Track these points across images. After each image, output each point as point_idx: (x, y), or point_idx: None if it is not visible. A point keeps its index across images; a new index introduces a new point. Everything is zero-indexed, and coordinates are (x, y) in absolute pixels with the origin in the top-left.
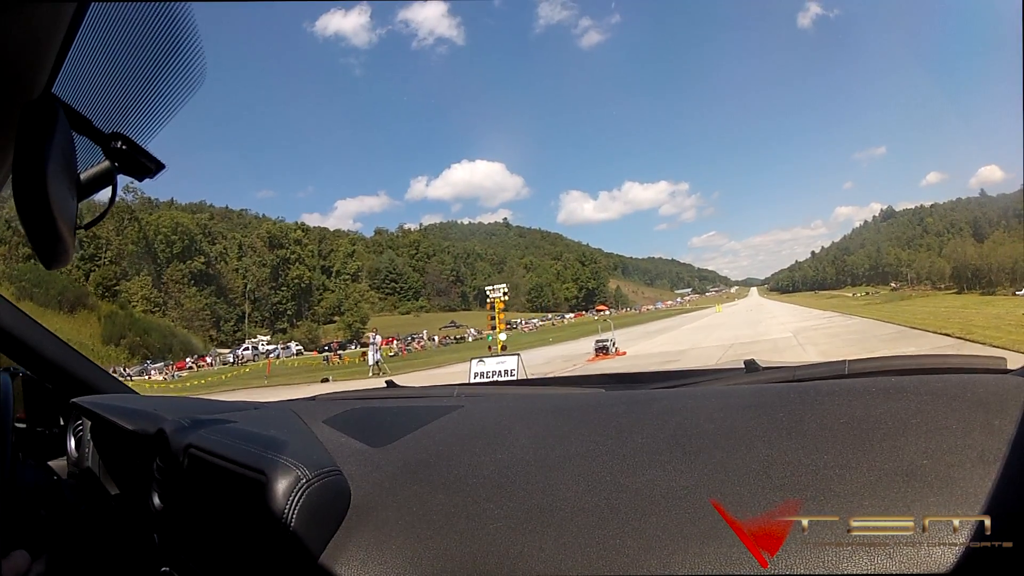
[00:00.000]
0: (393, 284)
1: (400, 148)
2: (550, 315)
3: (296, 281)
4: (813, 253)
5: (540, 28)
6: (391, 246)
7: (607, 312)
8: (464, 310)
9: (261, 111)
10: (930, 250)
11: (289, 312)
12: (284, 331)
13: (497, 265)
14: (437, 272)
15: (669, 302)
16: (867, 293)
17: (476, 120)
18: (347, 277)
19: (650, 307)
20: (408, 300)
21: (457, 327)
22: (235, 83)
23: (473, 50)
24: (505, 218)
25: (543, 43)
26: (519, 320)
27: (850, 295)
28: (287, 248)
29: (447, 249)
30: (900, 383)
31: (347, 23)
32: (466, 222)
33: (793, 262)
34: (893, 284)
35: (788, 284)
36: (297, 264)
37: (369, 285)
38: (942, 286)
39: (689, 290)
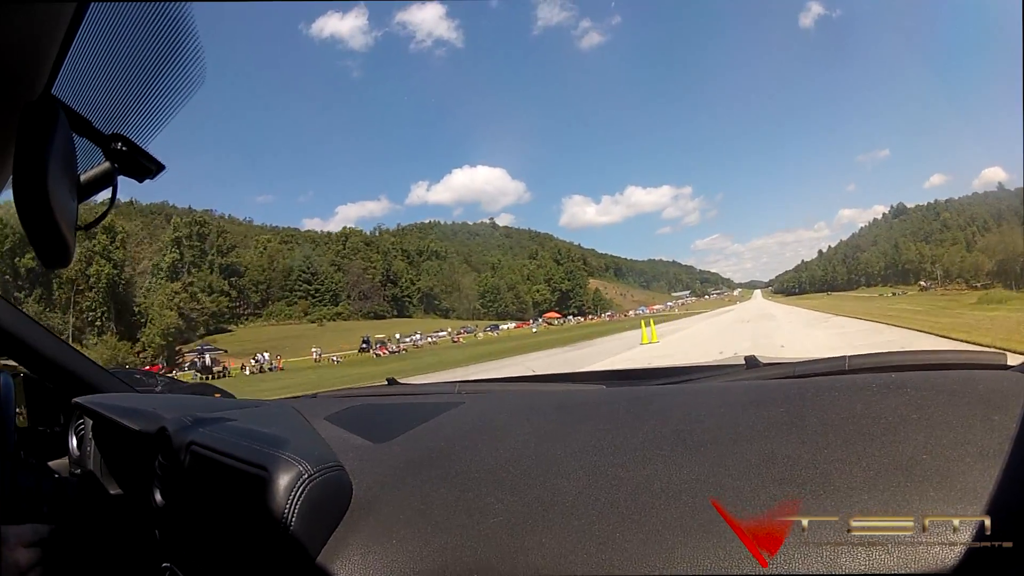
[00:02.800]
0: (306, 286)
1: (400, 152)
2: (470, 325)
3: (96, 281)
4: (820, 252)
5: (539, 30)
6: (355, 249)
7: (560, 321)
8: (397, 316)
9: (258, 115)
10: (956, 244)
11: (98, 322)
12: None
13: (461, 264)
14: (359, 272)
15: (657, 306)
16: (893, 294)
17: (476, 124)
18: (162, 276)
19: (633, 312)
20: (325, 305)
21: (201, 353)
22: (231, 86)
23: (472, 53)
24: (492, 218)
25: (543, 45)
26: (401, 336)
27: (876, 295)
28: (95, 239)
29: (377, 245)
30: (900, 379)
31: (344, 25)
32: (448, 222)
33: (799, 262)
34: (922, 283)
35: (794, 285)
36: (99, 259)
37: (279, 286)
38: (978, 284)
39: (687, 292)
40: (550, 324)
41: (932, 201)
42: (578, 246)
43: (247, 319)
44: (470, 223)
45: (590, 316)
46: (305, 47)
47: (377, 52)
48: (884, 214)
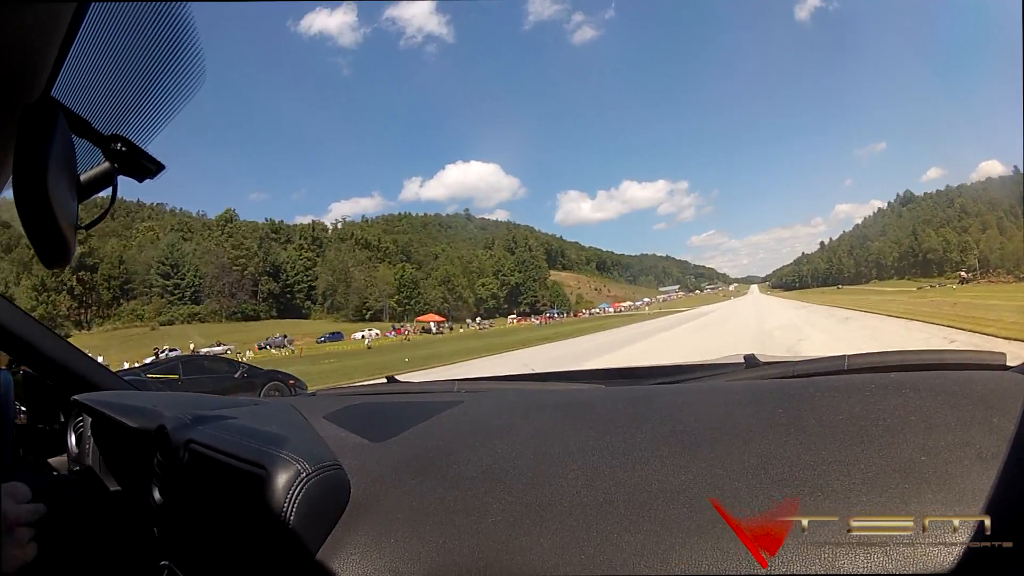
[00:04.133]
0: (164, 281)
1: (393, 148)
2: (277, 336)
3: None
4: (822, 244)
5: (530, 24)
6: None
7: (442, 326)
8: (278, 317)
9: (249, 112)
10: (989, 229)
11: None
12: None
13: (399, 255)
14: (225, 263)
15: (626, 304)
16: (932, 287)
17: (469, 120)
18: None
19: (588, 312)
20: (184, 304)
21: None
22: (220, 83)
23: (463, 48)
24: (467, 209)
25: (535, 39)
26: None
27: (913, 288)
28: None
29: (260, 231)
30: (899, 379)
31: (332, 22)
32: (420, 215)
33: (799, 255)
34: (963, 273)
35: (795, 279)
36: None
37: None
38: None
39: (675, 287)
40: (428, 332)
41: (946, 187)
42: (558, 238)
43: (96, 322)
44: (443, 215)
45: (532, 316)
46: (294, 44)
47: (367, 48)
48: (890, 203)
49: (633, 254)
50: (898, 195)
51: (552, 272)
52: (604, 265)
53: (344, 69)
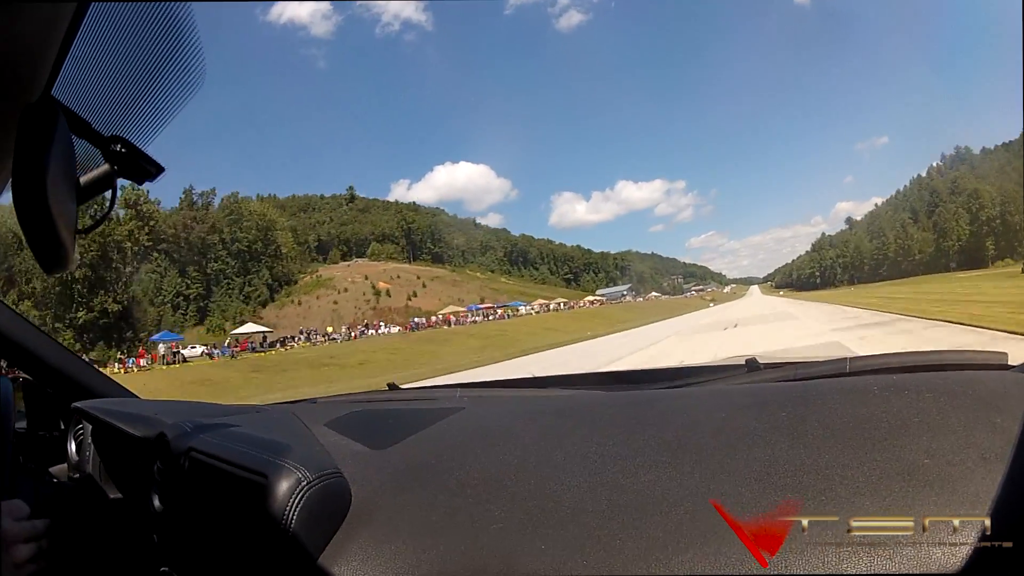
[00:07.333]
0: None
1: (378, 148)
2: None
3: None
4: (850, 221)
5: (511, 8)
6: None
7: None
8: None
9: (226, 111)
10: None
11: None
12: None
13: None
14: None
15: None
16: None
17: (455, 117)
18: None
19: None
20: None
21: None
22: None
23: (443, 38)
24: (350, 186)
25: (517, 25)
26: None
27: None
28: None
29: None
30: (901, 381)
31: (303, 10)
32: (330, 195)
33: (800, 252)
34: None
35: (813, 273)
36: None
37: None
38: None
39: (624, 288)
40: None
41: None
42: (448, 216)
43: None
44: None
45: None
46: (264, 34)
47: (342, 38)
48: (938, 164)
49: (613, 252)
50: (944, 155)
51: (403, 265)
52: (526, 260)
53: (320, 61)
